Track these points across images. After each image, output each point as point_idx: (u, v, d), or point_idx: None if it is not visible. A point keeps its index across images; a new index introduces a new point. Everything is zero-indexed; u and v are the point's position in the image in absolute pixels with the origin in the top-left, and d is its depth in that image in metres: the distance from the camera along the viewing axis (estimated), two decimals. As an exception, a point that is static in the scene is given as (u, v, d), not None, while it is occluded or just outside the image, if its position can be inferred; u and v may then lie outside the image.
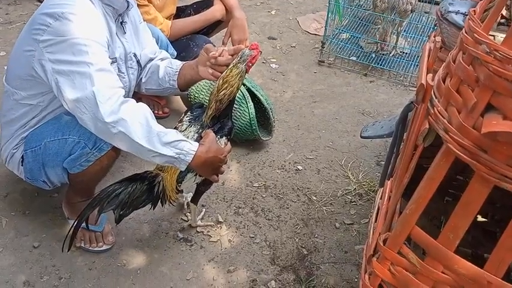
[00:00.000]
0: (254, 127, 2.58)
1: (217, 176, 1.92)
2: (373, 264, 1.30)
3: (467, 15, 1.54)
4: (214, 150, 1.81)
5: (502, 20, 1.47)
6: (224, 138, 1.92)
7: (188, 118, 1.99)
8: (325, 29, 3.46)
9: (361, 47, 3.64)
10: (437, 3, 3.58)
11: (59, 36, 1.67)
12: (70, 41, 1.66)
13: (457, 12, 1.66)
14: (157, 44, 2.26)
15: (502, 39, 1.05)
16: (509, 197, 1.10)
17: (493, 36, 1.40)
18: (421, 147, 1.27)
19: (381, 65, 3.43)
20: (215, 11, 2.79)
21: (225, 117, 1.94)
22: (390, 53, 3.55)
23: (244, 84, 2.57)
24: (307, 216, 2.33)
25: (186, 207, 2.27)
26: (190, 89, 2.45)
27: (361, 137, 2.40)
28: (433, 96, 1.21)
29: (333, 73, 3.44)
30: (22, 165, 1.97)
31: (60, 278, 1.98)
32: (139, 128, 1.66)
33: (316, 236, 2.24)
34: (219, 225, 2.24)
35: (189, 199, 2.16)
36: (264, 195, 2.42)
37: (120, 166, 2.46)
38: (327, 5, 3.43)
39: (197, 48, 2.69)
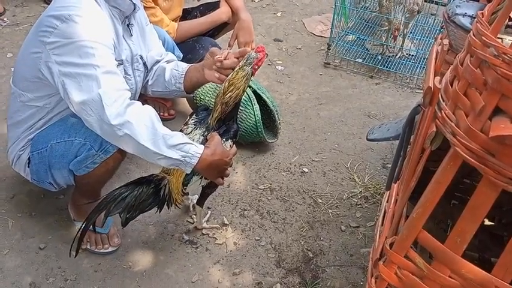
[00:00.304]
0: (260, 129, 2.57)
1: (223, 178, 1.92)
2: (380, 268, 1.29)
3: (474, 17, 1.54)
4: (219, 153, 1.81)
5: (510, 23, 1.46)
6: (230, 141, 1.92)
7: (194, 121, 1.99)
8: (331, 31, 3.46)
9: (367, 49, 3.63)
10: (443, 5, 3.57)
11: (65, 38, 1.67)
12: (77, 44, 1.66)
13: (464, 15, 1.65)
14: (163, 46, 2.26)
15: (511, 42, 1.04)
16: (517, 201, 1.09)
17: (501, 39, 1.40)
18: (428, 151, 1.26)
19: (387, 67, 3.42)
20: (221, 13, 2.79)
21: (230, 119, 1.94)
22: (396, 55, 3.54)
23: (250, 86, 2.57)
24: (313, 218, 2.33)
25: (191, 209, 2.27)
26: (196, 91, 2.45)
27: (368, 139, 2.39)
28: (441, 99, 1.20)
29: (338, 75, 3.43)
30: (28, 166, 1.98)
31: (66, 279, 1.98)
32: (145, 131, 1.66)
33: (321, 238, 2.23)
34: (224, 228, 2.24)
35: (195, 201, 2.16)
36: (269, 198, 2.42)
37: (126, 168, 2.47)
38: (333, 7, 3.42)
39: (203, 50, 2.69)
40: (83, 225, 1.80)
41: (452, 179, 1.14)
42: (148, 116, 1.69)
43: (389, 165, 2.45)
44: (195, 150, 1.73)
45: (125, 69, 1.94)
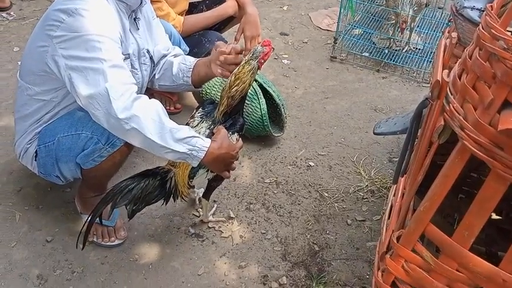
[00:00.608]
0: (266, 123, 2.57)
1: (229, 172, 1.92)
2: (387, 261, 1.29)
3: (482, 10, 1.53)
4: (226, 146, 1.81)
5: (519, 16, 1.45)
6: (236, 134, 1.92)
7: (200, 114, 1.99)
8: (338, 24, 3.44)
9: (373, 42, 3.62)
10: (451, -1, 3.54)
11: (72, 32, 1.67)
12: (83, 37, 1.67)
13: (472, 8, 1.64)
14: (170, 40, 2.26)
15: (520, 35, 1.04)
16: (525, 195, 1.09)
17: (511, 32, 1.39)
18: (436, 144, 1.26)
19: (393, 61, 3.41)
20: (227, 7, 2.78)
21: (236, 113, 1.94)
22: (403, 48, 3.52)
23: (256, 80, 2.56)
24: (319, 212, 2.33)
25: (197, 202, 2.28)
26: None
27: (374, 133, 2.39)
28: (449, 92, 1.20)
29: (345, 69, 3.42)
30: (35, 160, 1.99)
31: (72, 272, 1.99)
32: (152, 124, 1.66)
33: (327, 232, 2.23)
34: (230, 221, 2.24)
35: (201, 195, 2.16)
36: (275, 191, 2.42)
37: (133, 162, 2.47)
38: (340, 0, 3.41)
39: (209, 44, 2.69)
40: (90, 217, 1.80)
41: (460, 172, 1.13)
42: (155, 110, 1.70)
43: (396, 159, 2.45)
44: (202, 143, 1.74)
45: (131, 63, 1.94)
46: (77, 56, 1.68)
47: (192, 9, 2.90)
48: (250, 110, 2.57)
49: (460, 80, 1.18)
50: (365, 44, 3.57)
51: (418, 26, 3.63)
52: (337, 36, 3.47)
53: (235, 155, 1.88)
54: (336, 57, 3.49)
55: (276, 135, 2.69)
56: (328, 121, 2.92)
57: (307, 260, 2.11)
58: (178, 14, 2.68)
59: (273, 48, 1.96)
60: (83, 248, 1.91)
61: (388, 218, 1.56)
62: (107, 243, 2.09)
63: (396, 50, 3.51)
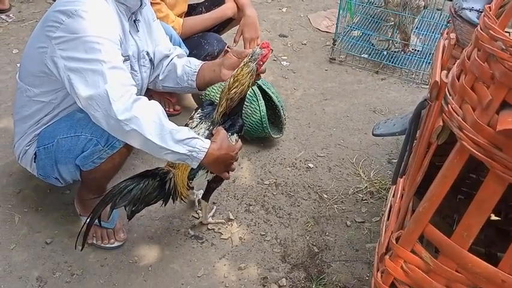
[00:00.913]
0: (265, 125, 2.57)
1: (228, 173, 1.92)
2: (386, 262, 1.29)
3: (481, 12, 1.53)
4: (225, 147, 1.81)
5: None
6: (235, 135, 1.92)
7: (199, 115, 1.99)
8: (337, 26, 3.45)
9: (372, 44, 3.62)
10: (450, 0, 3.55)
11: (71, 33, 1.68)
12: (83, 39, 1.67)
13: (471, 9, 1.65)
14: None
15: (518, 35, 1.04)
16: (524, 196, 1.09)
17: (509, 33, 1.39)
18: (434, 145, 1.26)
19: (392, 62, 3.42)
20: (226, 9, 2.79)
21: (235, 114, 1.94)
22: (402, 50, 3.52)
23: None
24: (318, 214, 2.33)
25: (197, 204, 2.28)
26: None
27: (373, 134, 2.39)
28: (447, 93, 1.20)
29: (344, 71, 3.42)
30: (35, 162, 1.99)
31: (72, 274, 1.99)
32: (152, 126, 1.67)
33: (327, 234, 2.23)
34: (230, 223, 2.24)
35: (200, 196, 2.16)
36: (274, 193, 2.42)
37: (132, 163, 2.47)
38: (338, 2, 3.41)
39: (208, 46, 2.69)
40: (89, 218, 1.80)
41: (459, 173, 1.14)
42: (155, 111, 1.70)
43: (395, 161, 2.45)
44: (202, 144, 1.74)
45: (131, 65, 1.94)
46: (76, 57, 1.68)
47: (191, 11, 2.91)
48: (250, 111, 2.57)
49: (458, 80, 1.18)
50: (364, 46, 3.57)
51: (417, 28, 3.64)
52: (336, 38, 3.47)
53: (235, 156, 1.89)
54: (334, 59, 3.49)
55: (275, 136, 2.69)
56: (327, 122, 2.92)
57: (307, 261, 2.11)
58: (178, 16, 2.68)
59: (272, 50, 1.96)
60: (82, 249, 1.91)
61: (387, 219, 1.56)
62: (107, 245, 2.09)
63: (395, 52, 3.51)
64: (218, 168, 1.87)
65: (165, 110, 2.02)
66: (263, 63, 1.90)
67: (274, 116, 2.72)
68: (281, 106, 2.66)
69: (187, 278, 2.01)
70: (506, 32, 1.17)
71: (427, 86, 2.80)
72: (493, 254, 1.63)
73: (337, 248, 2.17)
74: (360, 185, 2.50)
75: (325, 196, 2.42)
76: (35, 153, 1.97)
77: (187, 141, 1.71)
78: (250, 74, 1.87)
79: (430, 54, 3.45)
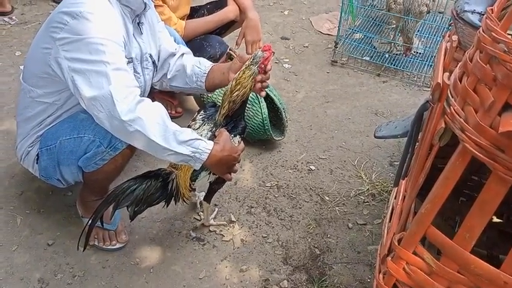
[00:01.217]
0: (267, 127, 2.58)
1: (231, 174, 1.92)
2: (388, 264, 1.29)
3: (483, 14, 1.54)
4: (228, 148, 1.82)
5: (520, 19, 1.46)
6: (238, 137, 1.93)
7: (201, 117, 2.00)
8: (338, 29, 3.45)
9: (374, 47, 3.63)
10: None
11: (76, 34, 1.68)
12: (87, 40, 1.67)
13: (473, 12, 1.65)
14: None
15: (520, 38, 1.04)
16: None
17: (511, 35, 1.39)
18: (436, 147, 1.26)
19: (394, 65, 3.42)
20: (228, 12, 2.79)
21: (237, 116, 1.95)
22: (404, 53, 3.53)
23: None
24: (320, 216, 2.33)
25: (198, 206, 2.28)
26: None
27: (375, 136, 2.39)
28: (450, 95, 1.20)
29: (346, 73, 3.43)
30: (37, 163, 1.99)
31: (74, 276, 1.99)
32: (156, 127, 1.67)
33: (328, 236, 2.23)
34: (231, 225, 2.25)
35: (202, 198, 2.16)
36: (276, 195, 2.42)
37: (134, 165, 2.48)
38: (340, 4, 3.42)
39: (210, 48, 2.69)
40: (92, 218, 1.80)
41: (461, 175, 1.14)
42: (158, 113, 1.70)
43: (397, 163, 2.45)
44: (205, 146, 1.74)
45: (134, 67, 1.94)
46: (80, 58, 1.68)
47: (193, 13, 2.91)
48: (252, 113, 2.58)
49: (460, 82, 1.18)
50: (366, 48, 3.58)
51: (418, 31, 3.64)
52: (338, 41, 3.48)
53: (238, 157, 1.89)
54: (336, 62, 3.50)
55: (277, 139, 2.70)
56: (329, 125, 2.92)
57: (308, 263, 2.11)
58: (180, 19, 2.69)
59: (273, 53, 1.96)
60: (84, 250, 1.91)
61: (389, 220, 1.56)
62: (108, 247, 2.09)
63: (397, 54, 3.52)
64: (221, 170, 1.88)
65: (167, 112, 2.02)
66: (265, 66, 1.90)
67: (276, 119, 2.72)
68: (283, 108, 2.66)
69: (189, 280, 2.01)
70: (508, 34, 1.17)
71: (429, 89, 2.80)
72: (495, 256, 1.62)
73: (338, 250, 2.17)
74: (362, 187, 2.50)
75: (327, 198, 2.42)
76: (38, 155, 1.97)
77: (191, 143, 1.72)
78: (252, 77, 1.88)
79: (432, 57, 3.45)
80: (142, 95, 1.88)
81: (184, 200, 1.97)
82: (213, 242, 2.17)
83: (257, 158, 2.64)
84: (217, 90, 2.61)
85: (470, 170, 1.72)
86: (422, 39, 3.68)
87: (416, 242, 1.24)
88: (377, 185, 2.50)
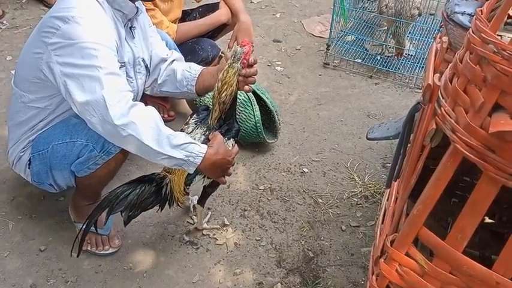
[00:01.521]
0: (260, 130, 2.58)
1: (225, 177, 1.92)
2: (381, 265, 1.29)
3: (473, 15, 1.54)
4: (222, 152, 1.82)
5: (509, 20, 1.47)
6: (232, 140, 1.93)
7: (194, 120, 2.00)
8: (330, 31, 3.46)
9: (366, 49, 3.64)
10: None
11: (68, 39, 1.68)
12: (79, 45, 1.67)
13: (463, 13, 1.66)
14: (164, 48, 2.26)
15: (509, 39, 1.05)
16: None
17: (500, 36, 1.40)
18: (428, 148, 1.27)
19: (386, 67, 3.43)
20: (220, 15, 2.79)
21: (229, 118, 1.95)
22: (395, 56, 3.54)
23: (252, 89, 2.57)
24: (313, 218, 2.33)
25: (192, 210, 2.27)
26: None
27: (368, 138, 2.40)
28: (440, 96, 1.21)
29: (338, 75, 3.43)
30: (29, 168, 1.98)
31: (66, 281, 1.98)
32: (149, 131, 1.67)
33: (322, 238, 2.23)
34: (225, 228, 2.24)
35: (195, 202, 2.16)
36: (269, 198, 2.42)
37: (127, 170, 2.47)
38: (332, 7, 3.43)
39: (202, 51, 2.69)
40: (86, 223, 1.80)
41: (453, 176, 1.14)
42: (151, 117, 1.70)
43: (389, 165, 2.45)
44: (199, 149, 1.74)
45: (126, 72, 1.93)
46: (73, 63, 1.68)
47: (185, 17, 2.91)
48: (244, 116, 2.58)
49: (451, 83, 1.19)
50: (358, 51, 3.58)
51: (410, 33, 3.65)
52: (330, 43, 3.48)
53: (232, 161, 1.89)
54: (328, 64, 3.50)
55: (270, 141, 2.70)
56: (322, 127, 2.92)
57: (302, 266, 2.11)
58: (172, 22, 2.68)
59: (253, 46, 1.96)
60: (77, 256, 1.90)
61: (382, 222, 1.57)
62: (101, 252, 2.08)
63: (388, 56, 3.53)
64: (215, 173, 1.87)
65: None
66: (247, 61, 1.90)
67: (269, 121, 2.72)
68: (275, 111, 2.66)
69: (183, 284, 2.00)
70: (497, 35, 1.18)
71: (421, 91, 2.82)
72: (487, 256, 1.63)
73: (332, 253, 2.17)
74: (355, 189, 2.50)
75: (320, 201, 2.42)
76: (30, 159, 1.96)
77: (184, 146, 1.72)
78: (236, 74, 1.88)
79: (423, 58, 3.47)
80: (135, 99, 1.88)
81: (178, 204, 1.97)
82: (206, 245, 2.16)
83: (250, 161, 2.63)
84: (209, 94, 2.61)
85: (462, 170, 1.73)
86: (413, 41, 3.69)
87: (408, 244, 1.24)
88: (370, 187, 2.50)
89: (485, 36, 1.05)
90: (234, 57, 1.89)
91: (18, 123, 1.95)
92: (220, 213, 2.32)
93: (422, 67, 3.37)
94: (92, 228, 1.83)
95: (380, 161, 2.69)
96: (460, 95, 1.12)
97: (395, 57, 3.46)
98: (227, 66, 1.89)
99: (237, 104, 2.39)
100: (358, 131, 2.90)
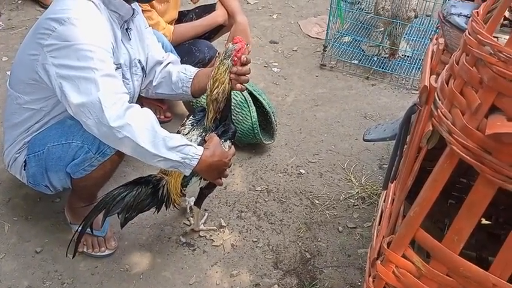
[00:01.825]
0: (256, 131, 2.57)
1: (221, 179, 1.92)
2: (378, 267, 1.29)
3: (469, 17, 1.54)
4: (219, 154, 1.81)
5: (505, 22, 1.47)
6: (228, 141, 1.92)
7: (191, 122, 2.00)
8: (327, 32, 3.46)
9: (362, 50, 3.64)
10: None
11: (63, 41, 1.67)
12: (75, 46, 1.66)
13: (459, 15, 1.66)
14: (161, 49, 2.26)
15: (506, 40, 1.05)
16: (513, 199, 1.10)
17: (497, 37, 1.40)
18: (424, 150, 1.27)
19: (382, 68, 3.43)
20: (217, 16, 2.79)
21: (225, 119, 1.94)
22: (389, 56, 3.54)
23: (246, 88, 2.57)
24: (310, 220, 2.33)
25: (188, 211, 2.27)
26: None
27: (364, 140, 2.39)
28: (437, 98, 1.21)
29: (334, 76, 3.43)
30: (25, 169, 1.97)
31: (62, 283, 1.97)
32: (145, 133, 1.66)
33: (319, 239, 2.23)
34: (221, 230, 2.24)
35: (192, 203, 2.15)
36: (266, 199, 2.42)
37: (123, 171, 2.46)
38: (329, 8, 3.43)
39: (199, 53, 2.69)
40: (82, 225, 1.79)
41: (449, 178, 1.14)
42: (147, 119, 1.70)
43: (386, 166, 2.45)
44: (195, 151, 1.73)
45: (123, 73, 1.93)
46: (68, 64, 1.67)
47: (181, 18, 2.91)
48: (241, 118, 2.57)
49: (447, 85, 1.19)
50: (354, 52, 3.59)
51: (406, 34, 3.66)
52: (327, 44, 3.48)
53: (228, 162, 1.88)
54: (325, 65, 3.50)
55: (267, 143, 2.69)
56: (319, 128, 2.92)
57: (299, 267, 2.10)
58: (168, 23, 2.68)
59: (247, 44, 1.95)
60: (73, 257, 1.89)
61: (379, 224, 1.56)
62: (97, 254, 2.07)
63: (385, 58, 3.53)
64: (211, 175, 1.87)
65: (156, 117, 2.01)
66: (238, 59, 1.89)
67: (266, 122, 2.72)
68: (272, 112, 2.66)
69: (179, 285, 2.00)
70: (494, 36, 1.18)
71: (417, 92, 2.82)
72: (484, 258, 1.63)
73: (329, 254, 2.17)
74: (352, 190, 2.50)
75: (317, 202, 2.42)
76: (25, 161, 1.96)
77: (180, 148, 1.71)
78: (227, 72, 1.88)
79: (420, 60, 3.47)
80: (131, 101, 1.87)
81: (175, 206, 1.97)
82: (203, 247, 2.16)
83: (247, 162, 2.63)
84: (205, 95, 2.61)
85: (459, 172, 1.73)
86: (410, 42, 3.70)
87: (405, 245, 1.24)
88: (367, 188, 2.50)
89: (482, 38, 1.05)
90: (225, 54, 1.89)
91: (13, 124, 1.94)
92: (217, 214, 2.31)
93: (419, 68, 3.37)
94: (88, 229, 1.83)
95: (377, 162, 2.69)
96: (456, 97, 1.12)
97: (389, 58, 3.46)
98: (218, 63, 1.89)
99: (234, 105, 2.39)
100: (354, 132, 2.90)
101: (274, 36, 3.84)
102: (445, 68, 1.28)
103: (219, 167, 1.84)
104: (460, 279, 1.16)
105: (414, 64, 3.44)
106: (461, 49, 1.19)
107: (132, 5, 1.90)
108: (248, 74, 1.93)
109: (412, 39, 3.70)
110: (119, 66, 1.88)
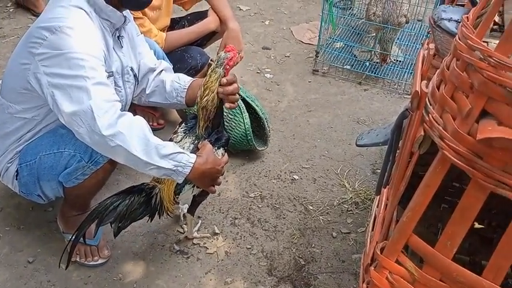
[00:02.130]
0: (249, 137, 2.57)
1: (214, 186, 1.91)
2: (371, 273, 1.29)
3: (460, 22, 1.55)
4: (211, 161, 1.81)
5: (495, 27, 1.48)
6: (221, 149, 1.92)
7: (183, 129, 1.99)
8: (319, 38, 3.47)
9: (355, 55, 3.65)
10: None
11: (55, 49, 1.67)
12: (66, 55, 1.66)
13: (450, 20, 1.67)
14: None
15: (495, 45, 1.05)
16: (505, 203, 1.10)
17: (487, 42, 1.41)
18: (416, 155, 1.27)
19: (375, 73, 3.44)
20: (209, 23, 2.79)
21: (217, 126, 1.94)
22: (380, 62, 3.55)
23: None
24: (304, 226, 2.32)
25: (182, 218, 2.26)
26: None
27: (357, 145, 2.40)
28: (428, 103, 1.21)
29: (327, 82, 3.44)
30: (17, 179, 1.96)
31: (55, 292, 1.96)
32: (137, 141, 1.66)
33: (313, 245, 2.23)
34: (215, 237, 2.23)
35: (185, 211, 2.14)
36: (260, 206, 2.41)
37: (116, 179, 2.45)
38: (320, 14, 3.44)
39: (191, 59, 2.69)
40: (74, 235, 1.78)
41: (442, 182, 1.14)
42: (140, 127, 1.69)
43: (379, 171, 2.46)
44: (187, 159, 1.73)
45: (115, 81, 1.92)
46: (60, 73, 1.67)
47: (173, 25, 2.90)
48: (234, 124, 2.57)
49: (438, 90, 1.19)
50: (346, 57, 3.60)
51: (398, 39, 3.68)
52: (319, 50, 3.49)
53: (221, 170, 1.88)
54: (318, 71, 3.51)
55: (260, 149, 2.69)
56: (312, 134, 2.93)
57: (293, 274, 2.10)
58: (160, 30, 2.68)
59: (239, 53, 1.96)
60: (66, 268, 1.87)
61: (372, 229, 1.56)
62: (91, 263, 2.06)
63: (377, 63, 3.54)
64: (204, 183, 1.86)
65: (149, 125, 2.01)
66: (230, 67, 1.89)
67: (259, 129, 2.72)
68: (265, 118, 2.66)
69: (173, 293, 1.99)
70: (484, 41, 1.18)
71: (410, 96, 2.83)
72: (477, 262, 1.63)
73: (323, 260, 2.16)
74: (345, 195, 2.50)
75: (311, 208, 2.42)
76: (17, 170, 1.94)
77: (173, 156, 1.71)
78: (218, 80, 1.88)
79: (411, 64, 3.49)
80: (123, 108, 1.88)
81: (168, 214, 1.96)
82: (197, 254, 2.15)
83: (240, 169, 2.63)
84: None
85: (451, 176, 1.73)
86: (402, 47, 3.72)
87: (398, 251, 1.24)
88: (360, 193, 2.50)
89: (472, 43, 1.06)
90: (217, 62, 1.89)
91: (5, 134, 1.93)
92: (210, 221, 2.30)
93: (411, 73, 3.39)
94: (81, 239, 1.81)
95: (370, 167, 2.70)
96: (447, 102, 1.13)
97: (381, 63, 3.47)
98: (210, 71, 1.89)
99: (227, 111, 2.39)
100: (347, 137, 2.90)
101: (267, 43, 3.84)
102: (436, 73, 1.29)
103: (211, 175, 1.84)
104: (453, 285, 1.16)
105: (406, 69, 3.46)
106: (451, 54, 1.20)
107: (123, 12, 1.89)
108: (236, 92, 1.93)
109: (404, 44, 3.72)
110: (110, 74, 1.87)
